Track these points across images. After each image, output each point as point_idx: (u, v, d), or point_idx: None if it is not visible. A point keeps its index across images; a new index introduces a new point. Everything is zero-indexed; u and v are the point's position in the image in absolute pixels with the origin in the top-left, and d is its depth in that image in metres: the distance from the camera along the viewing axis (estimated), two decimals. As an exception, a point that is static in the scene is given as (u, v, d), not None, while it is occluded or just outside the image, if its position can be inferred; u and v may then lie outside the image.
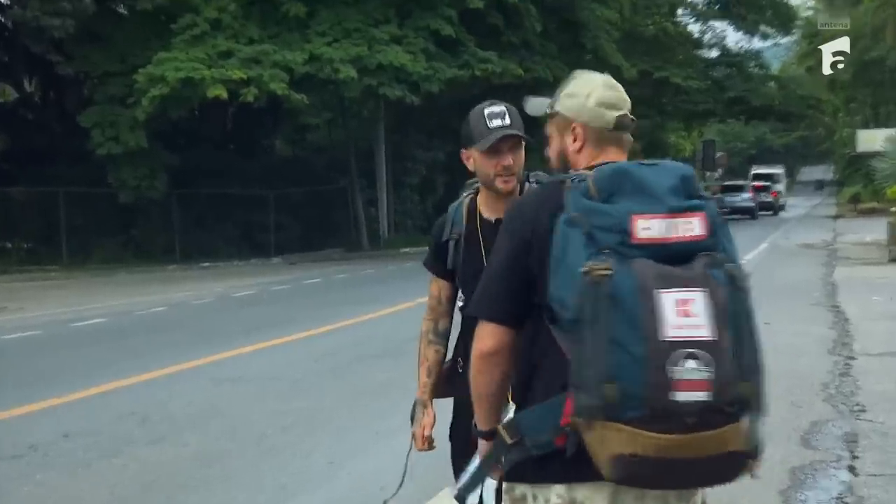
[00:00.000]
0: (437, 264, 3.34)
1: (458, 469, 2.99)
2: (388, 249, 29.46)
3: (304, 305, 15.99)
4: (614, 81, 2.55)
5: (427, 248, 3.39)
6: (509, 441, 2.31)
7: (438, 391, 3.35)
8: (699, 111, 44.76)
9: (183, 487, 5.44)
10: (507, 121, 3.08)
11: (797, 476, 5.15)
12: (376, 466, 5.61)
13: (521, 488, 2.34)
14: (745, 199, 45.13)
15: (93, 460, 6.03)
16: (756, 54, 47.62)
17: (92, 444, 6.36)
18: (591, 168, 2.37)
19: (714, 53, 48.01)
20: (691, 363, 2.07)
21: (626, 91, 2.50)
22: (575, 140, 2.50)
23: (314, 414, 7.43)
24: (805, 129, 69.11)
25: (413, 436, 3.30)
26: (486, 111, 3.10)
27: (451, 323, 3.37)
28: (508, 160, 3.04)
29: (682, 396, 2.05)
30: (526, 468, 2.30)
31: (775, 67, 52.81)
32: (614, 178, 2.31)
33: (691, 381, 2.05)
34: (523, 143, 3.11)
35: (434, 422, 3.29)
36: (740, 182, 50.52)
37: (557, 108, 2.51)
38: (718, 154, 67.01)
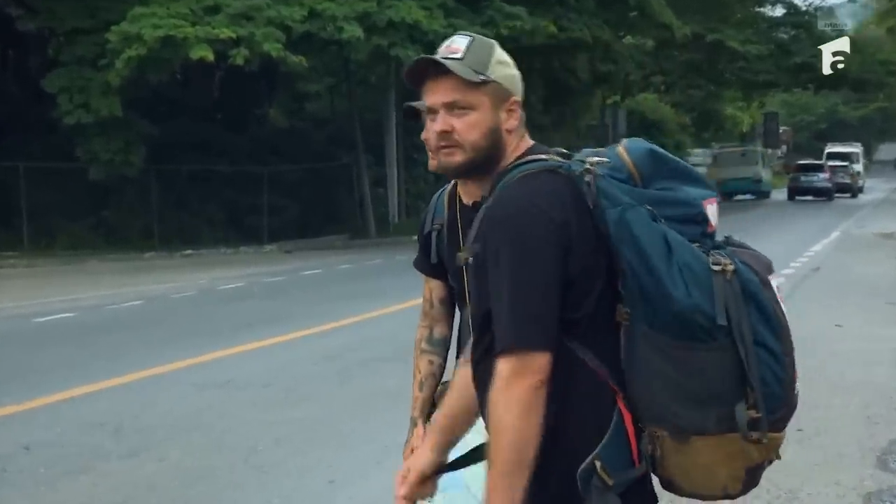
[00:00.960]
0: (424, 261, 3.45)
1: None
2: (397, 236, 30.06)
3: (301, 300, 16.37)
4: None
5: None
6: (610, 483, 2.35)
7: (434, 408, 3.37)
8: (759, 80, 45.04)
9: (161, 509, 5.52)
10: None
11: (872, 503, 5.21)
12: (383, 487, 5.68)
13: None
14: (821, 179, 47.38)
15: (58, 477, 6.13)
16: (829, 11, 47.61)
17: (57, 457, 6.48)
18: (525, 154, 2.47)
19: (779, 11, 48.14)
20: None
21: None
22: (510, 117, 2.54)
23: (312, 425, 7.62)
24: (884, 99, 69.09)
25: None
26: None
27: (449, 329, 3.46)
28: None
29: (797, 389, 2.29)
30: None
31: (850, 28, 52.88)
32: (653, 161, 2.41)
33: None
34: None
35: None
36: (817, 161, 52.41)
37: (493, 76, 2.51)
38: (782, 129, 67.29)
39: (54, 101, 24.85)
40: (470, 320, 3.06)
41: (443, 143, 2.55)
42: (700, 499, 2.46)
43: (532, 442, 2.33)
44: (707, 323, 2.25)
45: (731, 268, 2.29)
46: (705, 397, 2.28)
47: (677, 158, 2.52)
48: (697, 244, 2.32)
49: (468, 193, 3.18)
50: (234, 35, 23.12)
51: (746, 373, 2.26)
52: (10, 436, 6.94)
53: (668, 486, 2.41)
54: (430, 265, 3.48)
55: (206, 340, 11.42)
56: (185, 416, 7.57)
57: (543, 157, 2.51)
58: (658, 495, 2.50)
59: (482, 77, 2.49)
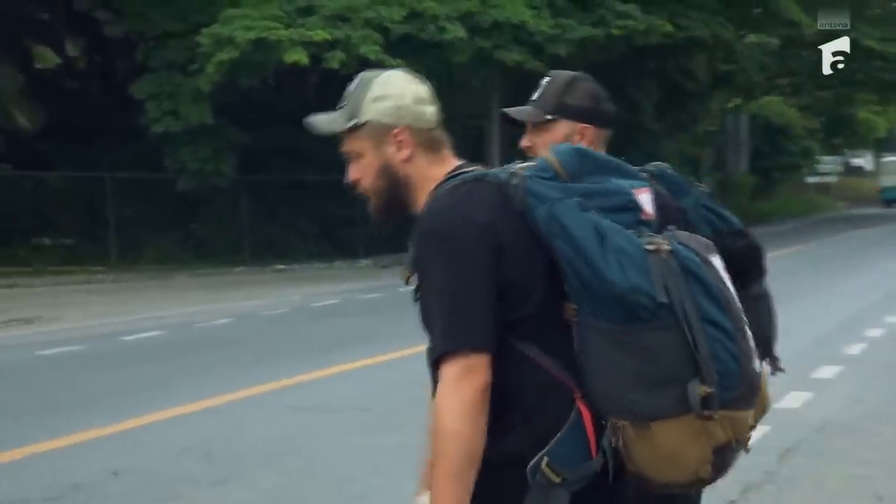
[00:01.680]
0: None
1: None
2: None
3: (398, 319, 16.07)
4: (409, 73, 2.80)
5: None
6: (556, 481, 2.47)
7: None
8: (898, 82, 44.33)
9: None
10: (534, 96, 3.42)
11: None
12: None
13: None
14: None
15: (146, 504, 6.30)
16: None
17: (145, 484, 6.70)
18: (453, 171, 2.64)
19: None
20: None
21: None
22: (401, 148, 2.68)
23: (411, 452, 7.47)
24: None
25: None
26: None
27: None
28: (524, 142, 3.41)
29: (756, 365, 2.49)
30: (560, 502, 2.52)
31: None
32: (579, 158, 2.62)
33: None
34: (549, 122, 3.38)
35: None
36: None
37: (365, 117, 2.69)
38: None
39: (142, 107, 25.75)
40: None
41: (359, 192, 2.81)
42: (674, 488, 2.58)
43: (478, 446, 2.46)
44: (648, 302, 2.39)
45: (666, 247, 2.45)
46: (659, 379, 2.41)
47: (600, 155, 2.75)
48: (633, 231, 2.50)
49: None
50: (329, 37, 23.70)
51: (696, 349, 2.40)
52: (97, 461, 7.19)
53: (641, 482, 2.54)
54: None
55: (299, 361, 11.71)
56: (276, 441, 7.75)
57: (470, 170, 2.69)
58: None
59: (353, 122, 2.71)
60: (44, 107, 28.15)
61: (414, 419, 9.48)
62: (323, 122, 2.88)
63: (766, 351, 3.50)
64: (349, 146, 2.82)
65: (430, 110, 2.77)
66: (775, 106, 56.28)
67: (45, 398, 10.20)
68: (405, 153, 2.72)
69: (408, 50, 25.57)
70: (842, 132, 63.51)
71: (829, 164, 58.89)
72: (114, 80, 29.73)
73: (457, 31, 24.19)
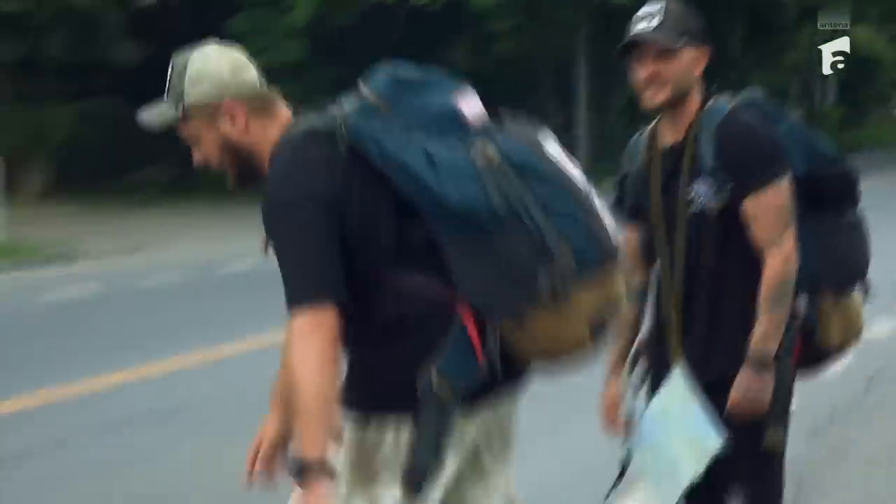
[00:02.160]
0: (618, 207, 3.56)
1: None
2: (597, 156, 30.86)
3: None
4: (220, 45, 2.82)
5: None
6: (447, 390, 2.61)
7: (627, 360, 3.59)
8: None
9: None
10: (654, 22, 3.28)
11: None
12: (573, 441, 6.41)
13: (470, 426, 2.72)
14: None
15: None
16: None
17: (241, 405, 7.02)
18: (286, 127, 2.71)
19: None
20: (598, 200, 2.61)
21: None
22: (234, 121, 2.73)
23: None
24: None
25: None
26: (638, 12, 3.35)
27: (647, 277, 3.59)
28: (640, 73, 3.28)
29: (610, 231, 2.64)
30: (451, 410, 2.66)
31: None
32: (393, 83, 2.69)
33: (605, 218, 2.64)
34: (677, 45, 3.27)
35: (620, 398, 3.58)
36: None
37: (189, 101, 2.73)
38: None
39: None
40: (660, 273, 3.45)
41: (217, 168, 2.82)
42: (563, 364, 2.73)
43: (330, 391, 2.57)
44: (489, 213, 2.53)
45: (494, 154, 2.58)
46: (520, 276, 2.55)
47: (418, 70, 2.77)
48: (462, 143, 2.60)
49: (669, 133, 3.40)
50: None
51: (544, 242, 2.53)
52: (195, 383, 7.81)
53: (531, 369, 2.76)
54: (625, 211, 3.58)
55: None
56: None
57: (300, 121, 2.74)
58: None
59: (179, 111, 2.76)
60: (143, 44, 28.80)
61: None
62: (153, 116, 2.86)
63: (860, 277, 3.61)
64: (186, 132, 2.82)
65: (251, 74, 2.79)
66: (864, 37, 54.07)
67: (149, 326, 10.79)
68: (240, 124, 2.76)
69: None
70: None
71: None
72: (208, 19, 30.27)
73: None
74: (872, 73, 52.66)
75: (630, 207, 3.59)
